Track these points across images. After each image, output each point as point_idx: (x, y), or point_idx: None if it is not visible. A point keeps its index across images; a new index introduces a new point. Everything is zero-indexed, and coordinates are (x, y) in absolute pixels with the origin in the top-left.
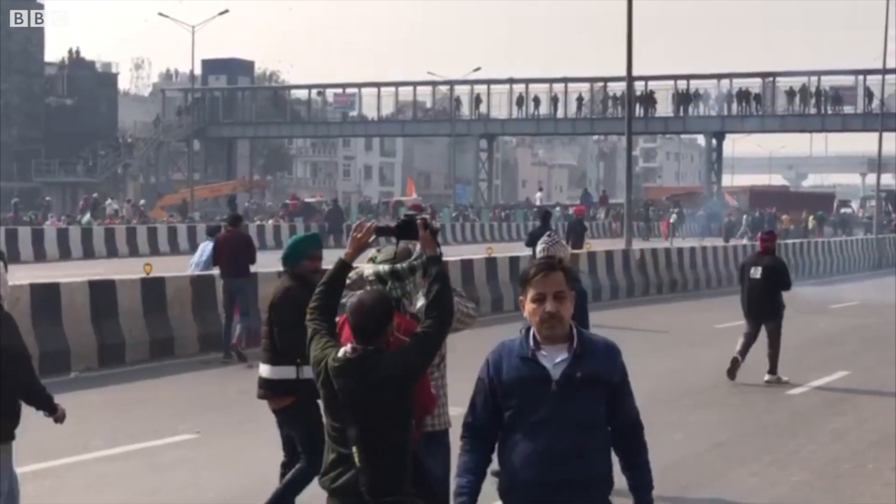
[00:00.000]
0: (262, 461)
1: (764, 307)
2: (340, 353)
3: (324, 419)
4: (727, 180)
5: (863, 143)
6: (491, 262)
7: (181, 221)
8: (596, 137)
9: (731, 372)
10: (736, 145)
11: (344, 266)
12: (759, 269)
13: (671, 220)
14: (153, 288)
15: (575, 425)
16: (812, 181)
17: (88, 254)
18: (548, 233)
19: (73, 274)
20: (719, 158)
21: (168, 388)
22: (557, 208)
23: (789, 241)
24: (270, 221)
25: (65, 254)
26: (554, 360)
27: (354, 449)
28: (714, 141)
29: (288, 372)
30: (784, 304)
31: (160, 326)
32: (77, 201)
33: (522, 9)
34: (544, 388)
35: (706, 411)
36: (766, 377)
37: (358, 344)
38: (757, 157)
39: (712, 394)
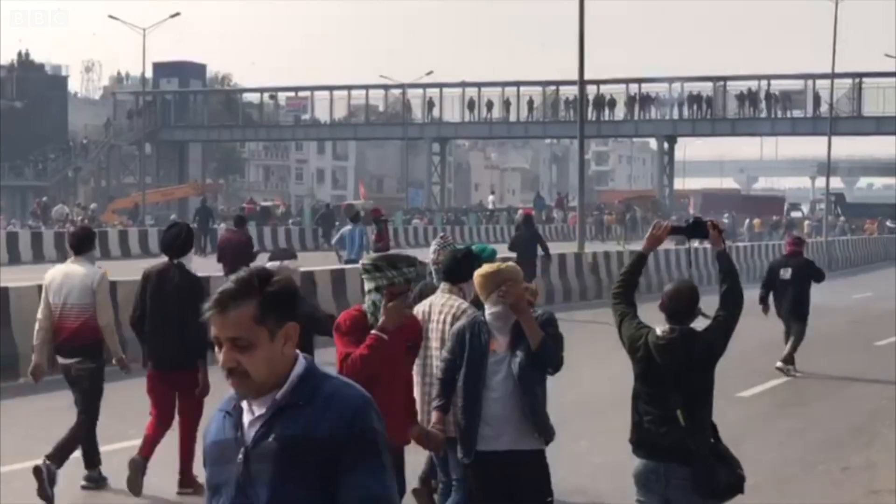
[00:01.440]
0: None
1: (794, 306)
2: (660, 333)
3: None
4: (679, 184)
5: (812, 146)
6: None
7: (132, 225)
8: (548, 141)
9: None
10: (688, 149)
11: (642, 258)
12: (789, 269)
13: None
14: None
15: None
16: (763, 184)
17: (38, 258)
18: (440, 235)
19: (21, 278)
20: (671, 162)
21: (119, 392)
22: (520, 212)
23: (741, 244)
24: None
25: (14, 258)
26: (253, 415)
27: (679, 412)
28: (666, 144)
29: None
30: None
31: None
32: (27, 205)
33: (475, 12)
34: (234, 457)
35: None
36: (778, 364)
37: (672, 324)
38: (708, 161)
39: None
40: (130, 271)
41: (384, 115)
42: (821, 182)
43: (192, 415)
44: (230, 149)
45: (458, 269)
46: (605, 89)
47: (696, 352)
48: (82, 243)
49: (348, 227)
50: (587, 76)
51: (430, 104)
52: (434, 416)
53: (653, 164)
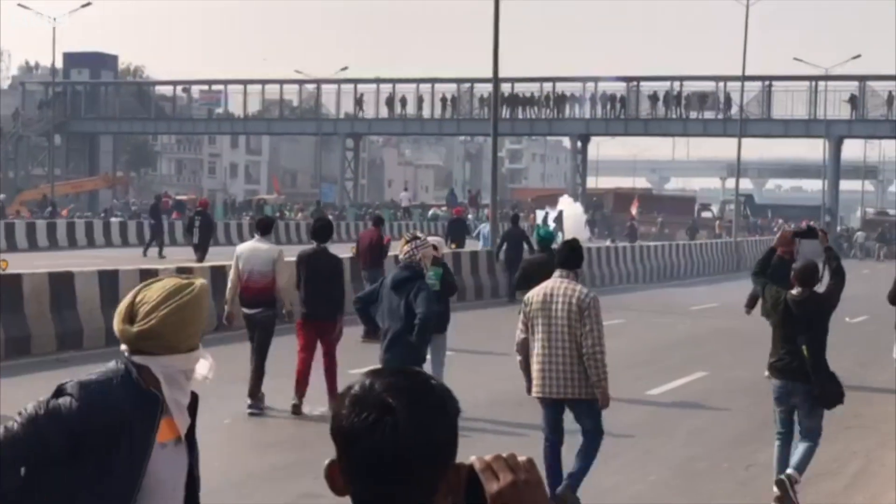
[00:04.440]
0: None
1: None
2: (795, 293)
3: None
4: (592, 182)
5: (723, 148)
6: (355, 260)
7: (40, 217)
8: (462, 138)
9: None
10: (601, 148)
11: (773, 250)
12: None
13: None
14: (10, 285)
15: None
16: (674, 184)
17: None
18: (412, 233)
19: None
20: (584, 161)
21: (22, 388)
22: (432, 211)
23: (652, 244)
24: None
25: None
26: None
27: (804, 347)
28: (579, 143)
29: None
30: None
31: (16, 324)
32: None
33: (391, 9)
34: None
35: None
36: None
37: (804, 288)
38: (621, 161)
39: None
40: (39, 263)
41: (298, 110)
42: (731, 183)
43: (331, 352)
44: (142, 141)
45: (574, 257)
46: (520, 87)
47: (822, 306)
48: (266, 227)
49: (483, 225)
50: (502, 74)
51: (352, 101)
52: None
53: (566, 162)
